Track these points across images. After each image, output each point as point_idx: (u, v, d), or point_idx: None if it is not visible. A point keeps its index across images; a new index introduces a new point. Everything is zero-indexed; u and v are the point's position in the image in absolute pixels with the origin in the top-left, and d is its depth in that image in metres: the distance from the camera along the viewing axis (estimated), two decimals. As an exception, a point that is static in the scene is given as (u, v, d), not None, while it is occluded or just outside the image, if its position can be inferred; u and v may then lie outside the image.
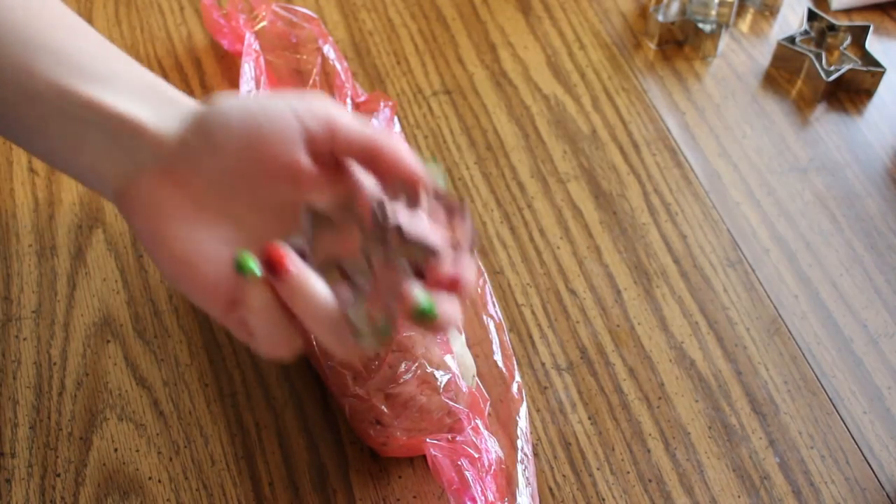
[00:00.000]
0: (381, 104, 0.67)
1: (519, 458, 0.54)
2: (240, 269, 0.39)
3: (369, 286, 0.38)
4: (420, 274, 0.38)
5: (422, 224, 0.38)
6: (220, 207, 0.41)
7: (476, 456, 0.50)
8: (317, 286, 0.39)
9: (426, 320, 0.38)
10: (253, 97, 0.49)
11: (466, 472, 0.49)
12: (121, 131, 0.42)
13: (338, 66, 0.69)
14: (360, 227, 0.39)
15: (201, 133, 0.42)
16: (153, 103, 0.43)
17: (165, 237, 0.41)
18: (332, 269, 0.39)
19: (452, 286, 0.39)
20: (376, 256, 0.38)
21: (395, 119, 0.68)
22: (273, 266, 0.38)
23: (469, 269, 0.39)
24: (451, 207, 0.40)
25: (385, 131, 0.45)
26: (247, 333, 0.41)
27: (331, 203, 0.40)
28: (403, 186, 0.39)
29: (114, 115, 0.42)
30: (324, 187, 0.41)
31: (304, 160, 0.41)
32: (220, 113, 0.42)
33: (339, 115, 0.42)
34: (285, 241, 0.40)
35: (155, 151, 0.42)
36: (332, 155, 0.41)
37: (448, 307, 0.39)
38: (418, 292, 0.37)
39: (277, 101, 0.42)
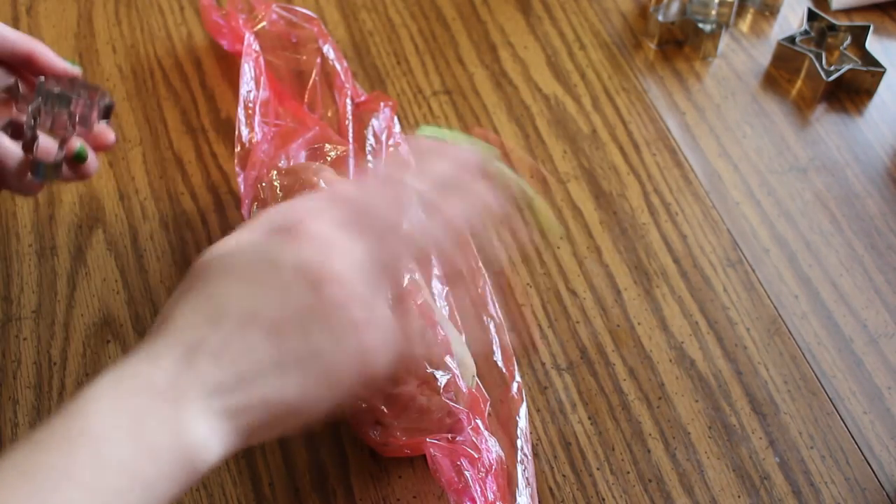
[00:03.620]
0: (381, 104, 0.67)
1: (519, 459, 0.54)
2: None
3: (39, 139, 0.54)
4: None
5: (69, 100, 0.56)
6: None
7: (476, 456, 0.50)
8: (4, 140, 0.52)
9: (80, 161, 0.54)
10: None
11: (466, 472, 0.49)
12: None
13: (338, 67, 0.69)
14: (29, 99, 0.55)
15: None
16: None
17: None
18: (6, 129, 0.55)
19: (109, 148, 0.57)
20: (43, 118, 0.55)
21: (395, 119, 0.68)
22: None
23: (107, 132, 0.57)
24: (94, 89, 0.56)
25: (32, 39, 0.56)
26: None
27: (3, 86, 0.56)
28: (56, 77, 0.56)
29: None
30: None
31: None
32: None
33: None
34: None
35: None
36: None
37: (92, 157, 0.56)
38: (76, 140, 0.55)
39: None
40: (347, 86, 0.68)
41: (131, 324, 0.61)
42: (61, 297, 0.62)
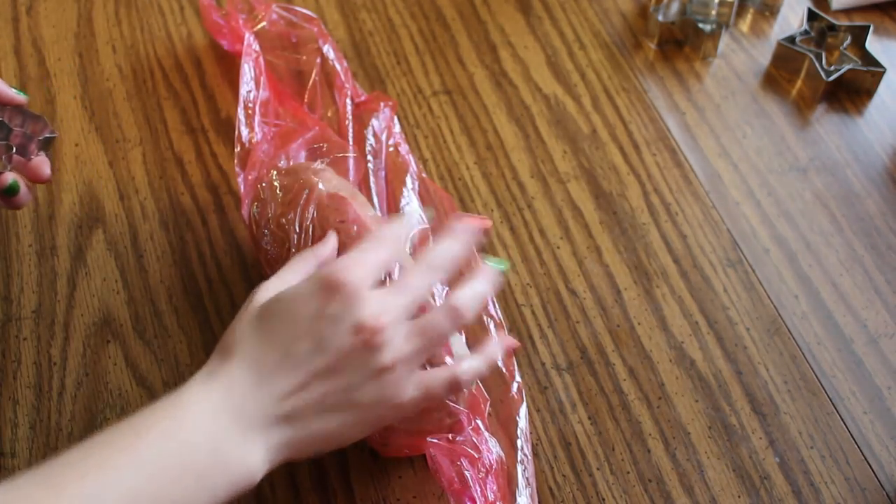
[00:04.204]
0: (381, 104, 0.67)
1: (519, 459, 0.54)
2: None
3: None
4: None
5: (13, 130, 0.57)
6: None
7: (476, 456, 0.50)
8: None
9: (11, 195, 0.55)
10: None
11: (466, 472, 0.49)
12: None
13: (337, 67, 0.69)
14: None
15: None
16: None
17: None
18: None
19: (44, 181, 0.57)
20: None
21: (395, 119, 0.68)
22: None
23: (43, 165, 0.57)
24: (37, 119, 0.57)
25: None
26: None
27: None
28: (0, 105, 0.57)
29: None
30: None
31: None
32: None
33: None
34: None
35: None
36: None
37: (26, 189, 0.56)
38: (9, 174, 0.55)
39: None
40: (347, 86, 0.68)
41: (131, 324, 0.61)
42: (61, 297, 0.62)
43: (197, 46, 0.75)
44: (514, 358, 0.59)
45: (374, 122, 0.66)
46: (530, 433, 0.56)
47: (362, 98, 0.68)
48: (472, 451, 0.50)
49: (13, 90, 0.58)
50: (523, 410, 0.56)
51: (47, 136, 0.58)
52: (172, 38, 0.76)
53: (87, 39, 0.76)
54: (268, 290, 0.49)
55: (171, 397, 0.45)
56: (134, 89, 0.73)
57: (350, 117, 0.66)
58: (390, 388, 0.46)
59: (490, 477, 0.50)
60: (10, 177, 0.56)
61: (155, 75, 0.74)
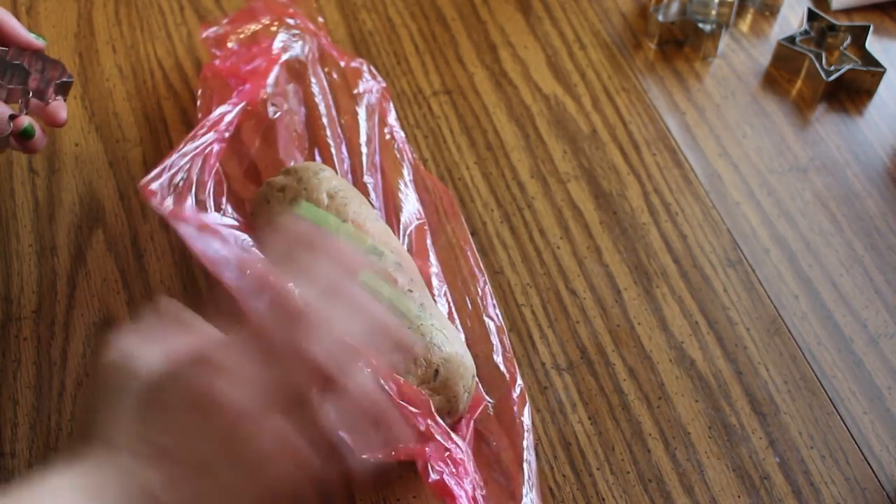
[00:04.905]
0: (366, 72, 0.68)
1: (525, 458, 0.54)
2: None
3: None
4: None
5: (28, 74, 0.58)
6: None
7: (449, 455, 0.50)
8: None
9: (27, 138, 0.57)
10: None
11: (448, 479, 0.49)
12: None
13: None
14: None
15: None
16: None
17: None
18: None
19: (59, 124, 0.59)
20: None
21: (391, 106, 0.68)
22: None
23: (59, 110, 0.59)
24: (54, 64, 0.59)
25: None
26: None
27: None
28: (18, 49, 0.59)
29: None
30: None
31: None
32: None
33: None
34: None
35: None
36: None
37: (41, 134, 0.59)
38: (24, 118, 0.57)
39: None
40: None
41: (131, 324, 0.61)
42: (61, 297, 0.62)
43: (197, 46, 0.75)
44: (514, 360, 0.59)
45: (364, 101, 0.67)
46: (532, 435, 0.56)
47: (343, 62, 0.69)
48: (451, 453, 0.50)
49: (32, 35, 0.58)
50: (527, 411, 0.56)
51: (64, 80, 0.58)
52: (172, 38, 0.76)
53: (87, 39, 0.76)
54: (133, 356, 0.44)
55: (34, 481, 0.41)
56: (134, 89, 0.73)
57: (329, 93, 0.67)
58: (242, 447, 0.42)
59: (462, 468, 0.50)
60: (26, 120, 0.57)
61: (155, 75, 0.74)
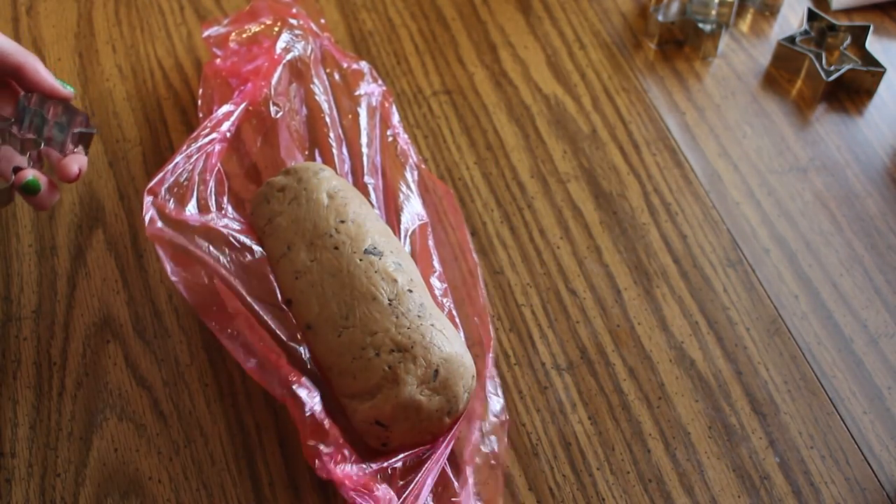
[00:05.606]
0: (367, 74, 0.68)
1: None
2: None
3: None
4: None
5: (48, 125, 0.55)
6: None
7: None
8: None
9: (30, 192, 0.53)
10: None
11: None
12: None
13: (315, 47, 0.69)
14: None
15: None
16: None
17: None
18: None
19: (71, 179, 0.54)
20: (8, 141, 0.53)
21: (394, 108, 0.68)
22: None
23: (71, 164, 0.54)
24: (76, 114, 0.55)
25: (26, 52, 0.55)
26: None
27: None
28: (42, 96, 0.55)
29: None
30: None
31: None
32: None
33: None
34: None
35: None
36: None
37: (50, 189, 0.54)
38: (29, 171, 0.53)
39: None
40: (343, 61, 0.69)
41: (131, 324, 0.61)
42: (61, 297, 0.62)
43: (197, 46, 0.75)
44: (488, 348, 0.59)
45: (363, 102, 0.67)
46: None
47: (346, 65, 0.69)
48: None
49: (59, 82, 0.55)
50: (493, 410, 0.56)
51: (84, 130, 0.54)
52: (172, 38, 0.76)
53: (87, 39, 0.76)
54: None
55: None
56: (134, 89, 0.73)
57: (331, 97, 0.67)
58: None
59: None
60: (30, 174, 0.53)
61: (155, 75, 0.74)
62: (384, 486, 0.50)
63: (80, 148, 0.55)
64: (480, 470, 0.53)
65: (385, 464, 0.52)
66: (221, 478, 0.55)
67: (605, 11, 0.79)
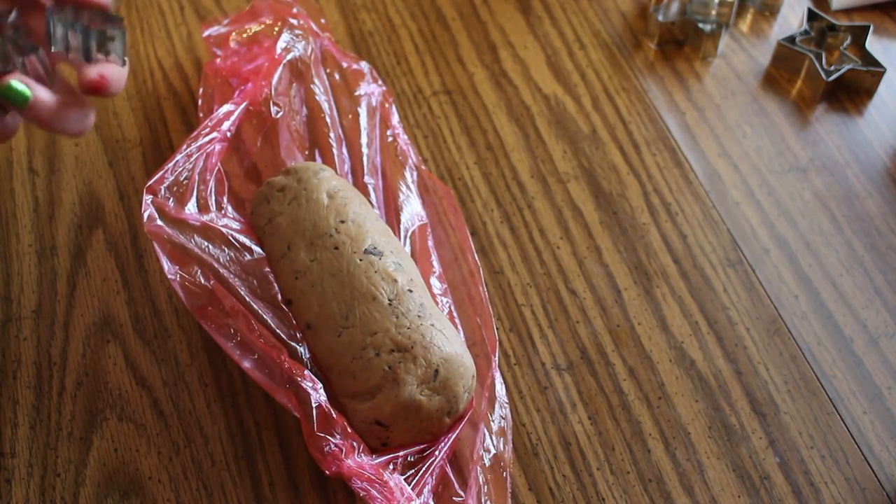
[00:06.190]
0: (368, 75, 0.68)
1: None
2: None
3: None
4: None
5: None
6: None
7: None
8: None
9: (15, 102, 0.45)
10: None
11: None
12: None
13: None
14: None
15: None
16: None
17: None
18: None
19: (92, 87, 0.47)
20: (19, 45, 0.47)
21: (394, 108, 0.68)
22: None
23: (113, 73, 0.48)
24: (112, 20, 0.48)
25: None
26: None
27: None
28: (75, 6, 0.48)
29: None
30: None
31: None
32: None
33: None
34: None
35: None
36: None
37: (43, 94, 0.46)
38: (12, 76, 0.45)
39: None
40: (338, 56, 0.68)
41: (131, 324, 0.61)
42: (61, 297, 0.62)
43: (197, 46, 0.75)
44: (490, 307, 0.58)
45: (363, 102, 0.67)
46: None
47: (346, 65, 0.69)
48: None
49: None
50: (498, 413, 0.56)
51: (104, 29, 0.47)
52: (172, 37, 0.76)
53: (87, 39, 0.76)
54: None
55: None
56: (134, 89, 0.73)
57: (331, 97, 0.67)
58: None
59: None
60: (11, 79, 0.45)
61: (155, 75, 0.74)
62: (396, 475, 0.50)
63: (115, 56, 0.48)
64: (486, 471, 0.53)
65: (391, 456, 0.52)
66: (221, 478, 0.55)
67: (605, 11, 0.79)
